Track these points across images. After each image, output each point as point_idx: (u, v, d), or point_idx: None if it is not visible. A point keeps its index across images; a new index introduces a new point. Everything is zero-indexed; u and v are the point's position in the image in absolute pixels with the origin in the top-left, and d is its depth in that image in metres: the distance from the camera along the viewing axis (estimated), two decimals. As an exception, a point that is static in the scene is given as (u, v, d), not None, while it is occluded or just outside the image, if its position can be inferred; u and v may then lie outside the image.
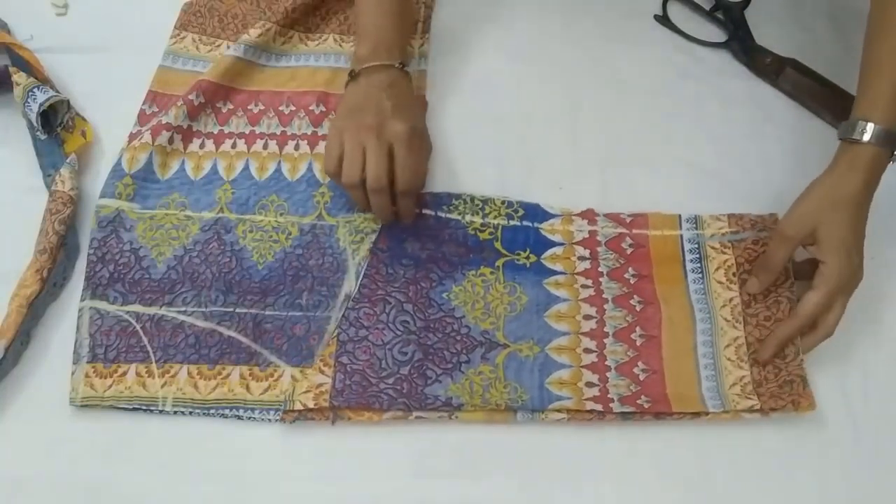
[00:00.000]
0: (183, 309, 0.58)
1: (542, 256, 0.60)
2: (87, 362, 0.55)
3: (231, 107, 0.67)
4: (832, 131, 0.68)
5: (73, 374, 0.55)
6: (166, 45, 0.70)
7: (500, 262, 0.60)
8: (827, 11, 0.75)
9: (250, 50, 0.68)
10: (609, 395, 0.54)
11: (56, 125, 0.64)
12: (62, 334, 0.57)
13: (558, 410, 0.54)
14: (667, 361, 0.56)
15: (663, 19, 0.75)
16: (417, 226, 0.61)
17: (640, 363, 0.56)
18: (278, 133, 0.65)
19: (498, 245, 0.60)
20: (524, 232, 0.61)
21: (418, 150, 0.59)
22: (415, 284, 0.58)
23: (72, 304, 0.58)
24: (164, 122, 0.64)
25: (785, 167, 0.65)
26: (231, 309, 0.58)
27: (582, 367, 0.56)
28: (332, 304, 0.58)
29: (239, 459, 0.53)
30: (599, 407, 0.53)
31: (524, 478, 0.53)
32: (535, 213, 0.62)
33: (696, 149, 0.67)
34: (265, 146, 0.65)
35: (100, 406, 0.54)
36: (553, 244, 0.61)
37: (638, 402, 0.54)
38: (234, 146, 0.65)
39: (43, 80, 0.65)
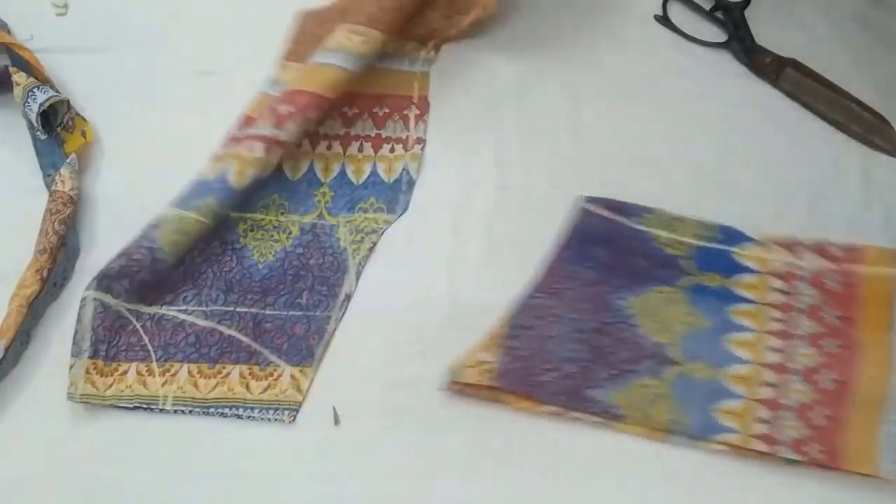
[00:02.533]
0: (184, 308, 0.58)
1: (732, 281, 0.57)
2: (89, 357, 0.55)
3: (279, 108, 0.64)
4: (832, 131, 0.68)
5: (71, 367, 0.54)
6: (273, 72, 0.68)
7: (685, 283, 0.58)
8: (827, 11, 0.75)
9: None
10: (778, 436, 0.52)
11: (56, 125, 0.64)
12: (62, 334, 0.57)
13: (721, 442, 0.52)
14: (850, 413, 0.52)
15: (663, 19, 0.75)
16: (607, 231, 0.60)
17: (820, 408, 0.52)
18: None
19: (686, 263, 0.58)
20: (716, 254, 0.59)
21: None
22: (594, 287, 0.57)
23: (72, 305, 0.58)
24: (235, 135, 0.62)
25: (785, 167, 0.65)
26: (231, 308, 0.58)
27: (756, 400, 0.53)
28: (332, 304, 0.58)
29: (239, 459, 0.53)
30: (766, 448, 0.51)
31: (524, 478, 0.53)
32: (731, 235, 0.59)
33: (696, 149, 0.67)
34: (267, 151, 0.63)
35: (101, 405, 0.54)
36: (745, 270, 0.58)
37: (805, 448, 0.51)
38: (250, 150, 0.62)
39: (43, 80, 0.65)
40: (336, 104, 0.65)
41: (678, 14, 0.76)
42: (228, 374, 0.56)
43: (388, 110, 0.67)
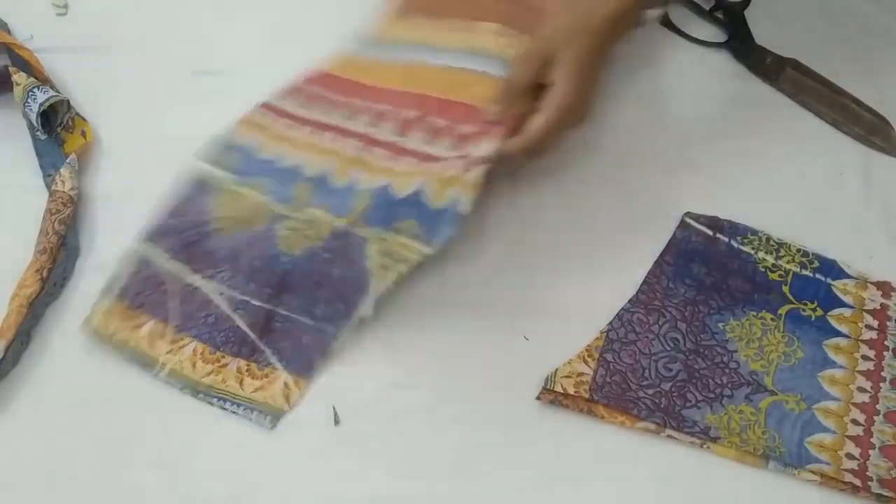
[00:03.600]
0: (218, 287, 0.57)
1: (829, 313, 0.59)
2: (116, 297, 0.56)
3: (342, 99, 0.63)
4: (832, 131, 0.68)
5: (96, 302, 0.56)
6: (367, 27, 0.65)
7: (783, 310, 0.59)
8: (827, 11, 0.75)
9: (391, 49, 0.64)
10: (868, 473, 0.53)
11: (56, 125, 0.64)
12: (62, 334, 0.57)
13: (813, 472, 0.53)
14: None
15: (663, 19, 0.75)
16: (708, 250, 0.61)
17: None
18: (367, 134, 0.60)
19: (786, 289, 0.59)
20: (815, 284, 0.60)
21: None
22: (693, 306, 0.58)
23: (72, 304, 0.58)
24: (289, 111, 0.63)
25: (785, 167, 0.66)
26: (248, 299, 0.57)
27: (846, 436, 0.54)
28: (344, 324, 0.56)
29: (239, 459, 0.53)
30: (858, 482, 0.52)
31: (524, 478, 0.53)
32: (831, 269, 0.60)
33: (697, 149, 0.67)
34: (341, 148, 0.60)
35: (104, 345, 0.55)
36: (842, 304, 0.59)
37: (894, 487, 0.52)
38: (332, 141, 0.61)
39: (43, 80, 0.65)
40: (402, 108, 0.60)
41: (678, 14, 0.75)
42: (226, 364, 0.55)
43: (447, 123, 0.59)
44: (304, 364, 0.56)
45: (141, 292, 0.57)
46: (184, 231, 0.58)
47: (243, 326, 0.56)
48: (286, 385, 0.55)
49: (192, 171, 0.61)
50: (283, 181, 0.60)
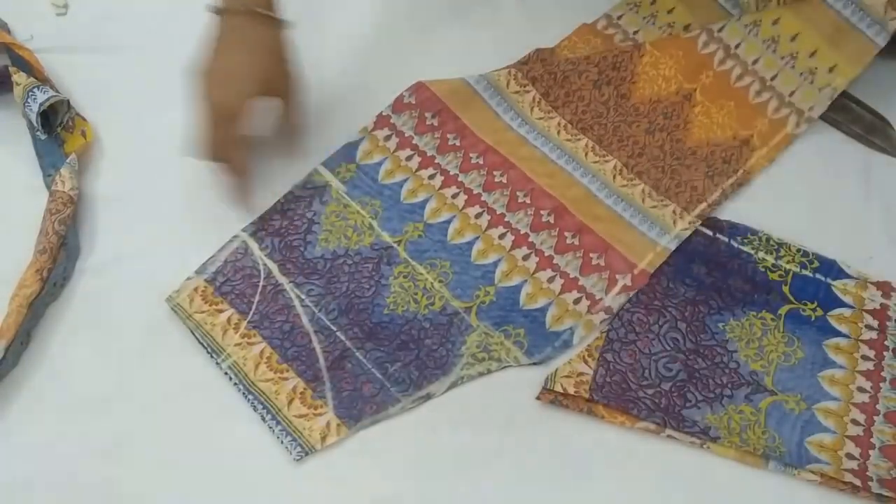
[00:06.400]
0: (303, 298, 0.58)
1: (829, 313, 0.59)
2: (206, 280, 0.58)
3: (480, 162, 0.64)
4: (832, 131, 0.68)
5: (188, 278, 0.58)
6: (501, 83, 0.67)
7: (783, 311, 0.59)
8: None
9: (540, 138, 0.65)
10: (868, 473, 0.53)
11: (56, 125, 0.64)
12: (62, 334, 0.57)
13: (813, 472, 0.53)
14: None
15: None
16: (708, 250, 0.61)
17: None
18: (498, 213, 0.62)
19: (786, 290, 0.59)
20: (815, 284, 0.60)
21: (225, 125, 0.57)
22: (693, 306, 0.58)
23: (72, 304, 0.58)
24: (413, 142, 0.64)
25: (785, 167, 0.65)
26: (334, 329, 0.57)
27: (846, 436, 0.54)
28: (410, 392, 0.55)
29: (239, 460, 0.53)
30: (858, 482, 0.52)
31: (524, 478, 0.53)
32: (830, 268, 0.60)
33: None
34: (478, 216, 0.62)
35: (182, 320, 0.57)
36: (842, 304, 0.59)
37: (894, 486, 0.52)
38: (454, 196, 0.63)
39: (43, 80, 0.65)
40: (561, 223, 0.62)
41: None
42: (287, 379, 0.55)
43: (603, 264, 0.60)
44: (355, 413, 0.54)
45: (230, 280, 0.58)
46: (288, 233, 0.60)
47: (318, 350, 0.56)
48: (328, 425, 0.54)
49: (312, 177, 0.63)
50: (399, 212, 0.62)
